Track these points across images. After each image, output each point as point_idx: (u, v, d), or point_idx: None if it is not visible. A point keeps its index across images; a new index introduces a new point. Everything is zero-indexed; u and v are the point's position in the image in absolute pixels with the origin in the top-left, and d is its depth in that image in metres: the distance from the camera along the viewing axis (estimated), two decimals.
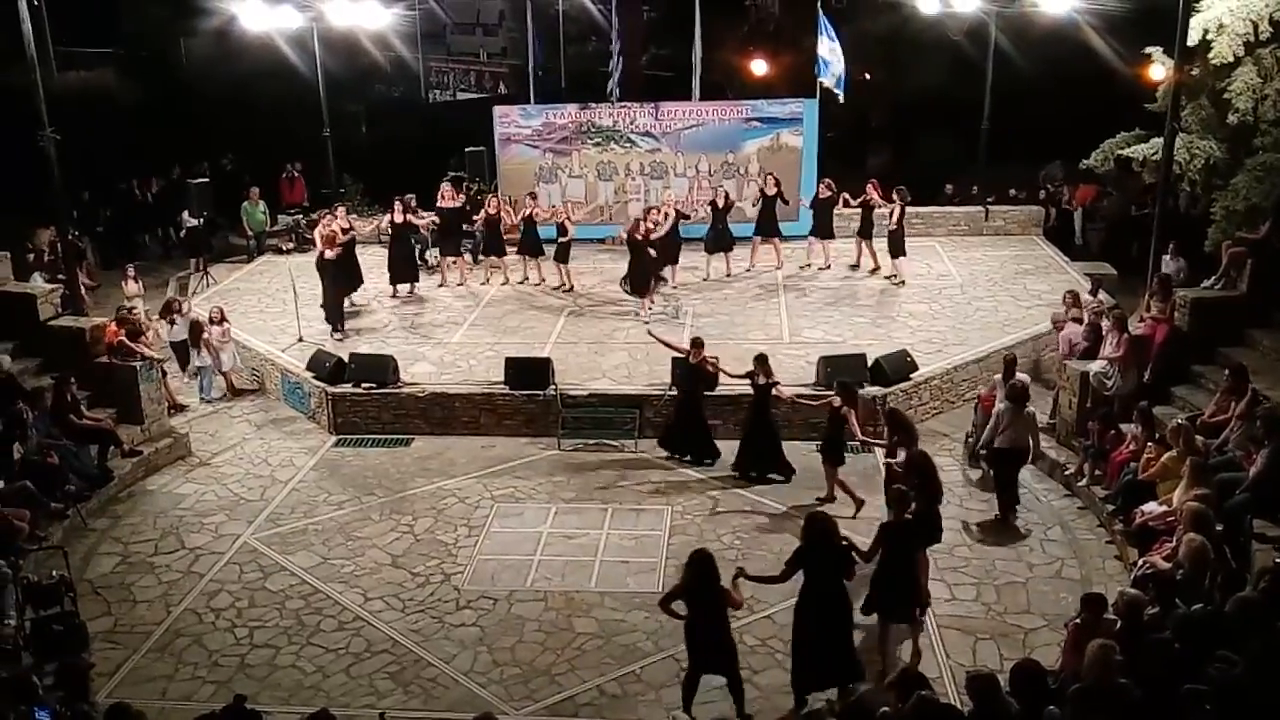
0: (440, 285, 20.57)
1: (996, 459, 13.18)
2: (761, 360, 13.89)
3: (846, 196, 20.66)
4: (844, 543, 9.59)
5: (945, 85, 26.37)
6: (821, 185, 20.83)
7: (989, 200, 23.65)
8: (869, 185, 20.42)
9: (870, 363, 15.46)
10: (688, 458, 14.61)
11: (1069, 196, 24.58)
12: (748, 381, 13.91)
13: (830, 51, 22.07)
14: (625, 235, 18.59)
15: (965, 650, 10.53)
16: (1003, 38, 22.93)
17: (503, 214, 20.53)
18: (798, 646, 9.70)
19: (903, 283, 20.06)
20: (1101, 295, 17.03)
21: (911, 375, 15.58)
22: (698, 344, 14.45)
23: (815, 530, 9.51)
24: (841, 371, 14.99)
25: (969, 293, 19.58)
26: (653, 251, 18.24)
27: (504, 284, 20.62)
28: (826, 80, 22.18)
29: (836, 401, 13.03)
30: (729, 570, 9.57)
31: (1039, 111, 25.34)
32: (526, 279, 20.71)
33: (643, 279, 18.33)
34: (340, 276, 18.55)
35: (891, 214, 19.72)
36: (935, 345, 16.88)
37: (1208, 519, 9.85)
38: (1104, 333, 14.39)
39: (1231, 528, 10.41)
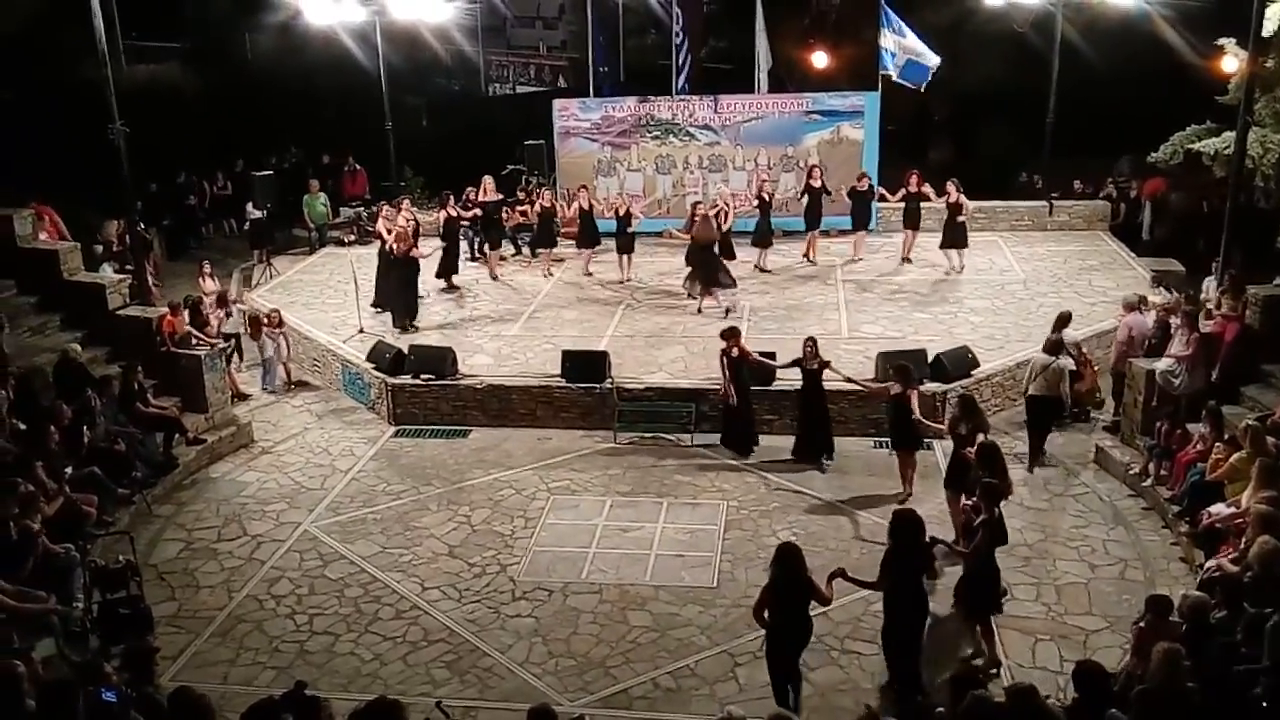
0: (493, 278, 20.68)
1: (1030, 405, 14.00)
2: (810, 343, 13.84)
3: (884, 191, 20.54)
4: (931, 540, 9.66)
5: (1009, 78, 25.99)
6: (860, 179, 20.78)
7: (1054, 195, 23.27)
8: (912, 177, 20.27)
9: (931, 359, 15.28)
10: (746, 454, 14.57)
11: (1137, 190, 24.12)
12: (796, 370, 13.94)
13: (898, 44, 21.83)
14: (695, 235, 18.33)
15: (1024, 651, 10.37)
16: (1070, 29, 22.53)
17: (557, 207, 20.63)
18: (886, 636, 9.74)
19: (956, 270, 20.03)
20: (1173, 292, 16.69)
21: (973, 372, 15.37)
22: (729, 334, 14.40)
23: (904, 530, 9.42)
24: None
25: (1032, 289, 19.29)
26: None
27: (547, 275, 20.66)
28: (892, 71, 21.92)
29: (896, 388, 12.93)
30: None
31: (1106, 104, 24.89)
32: (590, 273, 20.73)
33: (710, 277, 18.16)
34: (414, 273, 18.56)
35: (961, 206, 19.53)
36: (997, 341, 16.66)
37: (1278, 521, 9.61)
38: (1173, 330, 14.10)
39: None
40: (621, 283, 20.13)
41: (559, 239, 21.08)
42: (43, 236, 17.17)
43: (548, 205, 20.58)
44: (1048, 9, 22.34)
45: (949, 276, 20.01)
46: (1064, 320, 14.91)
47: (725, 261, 19.06)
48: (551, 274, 20.76)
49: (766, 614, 9.08)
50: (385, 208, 19.95)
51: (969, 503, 10.52)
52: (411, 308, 18.26)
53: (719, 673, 10.26)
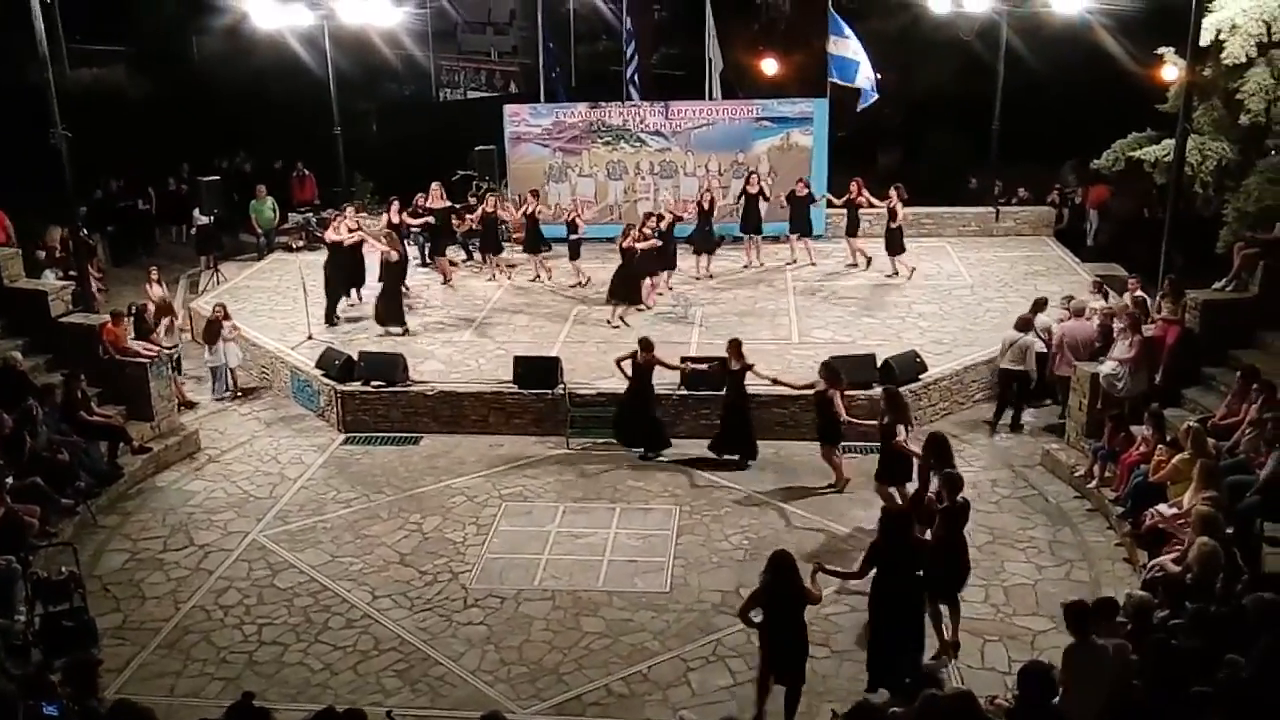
0: (445, 283, 20.61)
1: (999, 377, 15.42)
2: (734, 345, 14.07)
3: (830, 197, 20.82)
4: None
5: (956, 85, 26.35)
6: (798, 184, 21.01)
7: (1000, 200, 23.62)
8: (853, 184, 20.55)
9: (879, 363, 15.43)
10: (640, 450, 14.71)
11: (1081, 197, 24.52)
12: (720, 369, 14.25)
13: (853, 52, 22.10)
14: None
15: (973, 652, 10.48)
16: (1014, 38, 22.89)
17: (499, 211, 20.59)
18: (873, 639, 9.79)
19: (911, 273, 20.30)
20: (1108, 298, 16.99)
21: (921, 376, 15.54)
22: (646, 344, 14.47)
23: (891, 526, 9.59)
24: (851, 372, 14.98)
25: (979, 293, 19.54)
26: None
27: (491, 279, 20.65)
28: (857, 82, 22.15)
29: (821, 385, 13.29)
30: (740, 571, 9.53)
31: (1051, 111, 25.29)
32: (538, 277, 20.73)
33: (624, 288, 18.18)
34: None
35: (894, 212, 19.84)
36: (945, 346, 16.85)
37: (1218, 522, 9.81)
38: (1115, 334, 14.33)
39: (1242, 531, 10.36)
40: (574, 286, 20.18)
41: (506, 244, 21.11)
42: None
43: (489, 210, 20.55)
44: (993, 17, 22.66)
45: (891, 281, 20.27)
46: (1040, 305, 15.73)
47: (665, 272, 19.45)
48: (510, 278, 20.69)
49: (756, 616, 9.18)
50: (336, 216, 19.78)
51: (932, 493, 10.73)
52: (396, 312, 18.21)
53: (672, 678, 10.28)
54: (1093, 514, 12.97)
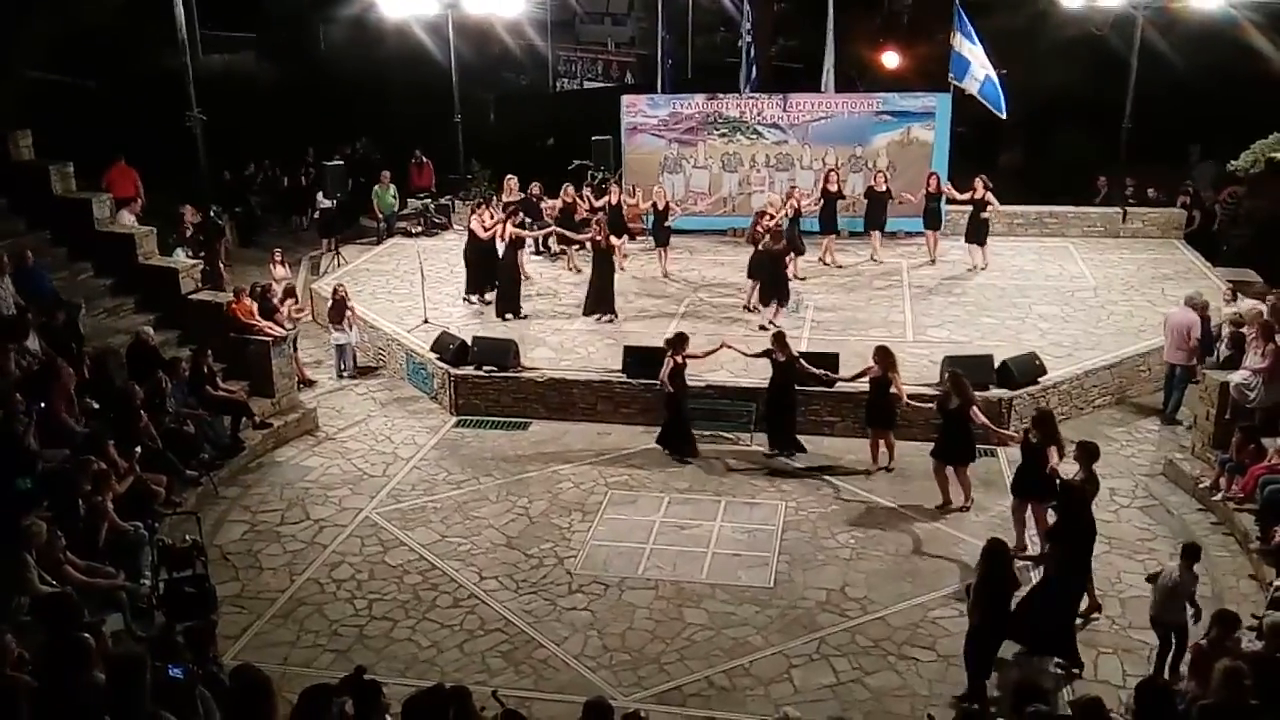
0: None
1: None
2: (779, 338, 14.25)
3: (907, 195, 20.79)
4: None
5: (1085, 82, 25.57)
6: (930, 178, 20.79)
7: (1129, 201, 22.84)
8: (932, 178, 20.60)
9: (997, 364, 15.08)
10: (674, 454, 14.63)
11: (1213, 199, 23.56)
12: (767, 360, 14.27)
13: (971, 54, 21.55)
14: (754, 243, 18.17)
15: (1086, 664, 10.17)
16: (1151, 32, 22.05)
17: (577, 202, 20.81)
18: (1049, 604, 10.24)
19: (974, 267, 20.44)
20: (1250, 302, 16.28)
21: (1040, 379, 15.13)
22: (676, 342, 14.41)
23: (1078, 500, 10.40)
24: (967, 373, 14.65)
25: (1103, 296, 18.94)
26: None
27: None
28: (967, 86, 21.57)
29: (877, 370, 13.48)
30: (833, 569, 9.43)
31: (1185, 110, 24.36)
32: (666, 274, 20.71)
33: (776, 287, 17.61)
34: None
35: (986, 202, 19.88)
36: (1065, 349, 16.37)
37: None
38: (1247, 343, 13.76)
39: None
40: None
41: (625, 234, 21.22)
42: (128, 219, 17.49)
43: (614, 201, 20.72)
44: (1129, 12, 21.88)
45: (971, 273, 20.25)
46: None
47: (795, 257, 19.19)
48: (623, 268, 20.72)
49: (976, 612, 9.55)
50: (481, 206, 19.82)
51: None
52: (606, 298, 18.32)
53: (774, 673, 10.21)
54: (1217, 527, 12.47)
